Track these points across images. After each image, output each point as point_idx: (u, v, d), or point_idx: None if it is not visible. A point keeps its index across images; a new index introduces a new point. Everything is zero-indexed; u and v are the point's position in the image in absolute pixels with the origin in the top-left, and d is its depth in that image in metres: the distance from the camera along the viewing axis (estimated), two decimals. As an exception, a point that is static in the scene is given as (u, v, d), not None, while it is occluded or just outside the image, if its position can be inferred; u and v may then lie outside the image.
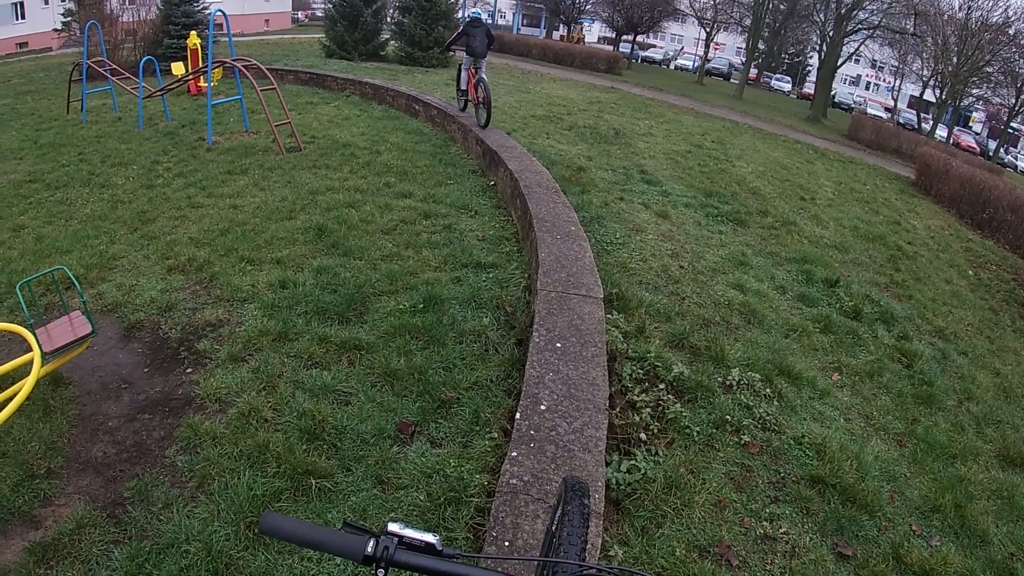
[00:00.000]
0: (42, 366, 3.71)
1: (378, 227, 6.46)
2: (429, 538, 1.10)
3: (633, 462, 3.58)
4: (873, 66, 54.27)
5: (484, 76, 10.02)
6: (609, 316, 4.71)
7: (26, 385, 3.47)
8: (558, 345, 3.95)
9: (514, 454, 3.12)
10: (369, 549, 1.06)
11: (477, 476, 3.35)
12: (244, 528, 3.06)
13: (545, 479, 3.01)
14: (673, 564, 3.16)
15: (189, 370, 4.35)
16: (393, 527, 1.09)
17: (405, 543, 1.10)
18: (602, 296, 4.64)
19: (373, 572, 1.07)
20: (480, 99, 10.03)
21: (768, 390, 4.58)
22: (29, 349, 3.74)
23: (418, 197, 7.56)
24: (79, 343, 4.08)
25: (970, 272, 9.68)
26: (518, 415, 3.37)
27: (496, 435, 3.64)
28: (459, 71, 10.83)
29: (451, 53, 24.41)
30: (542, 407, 3.42)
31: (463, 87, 10.66)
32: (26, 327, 3.87)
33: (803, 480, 3.94)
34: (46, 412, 3.98)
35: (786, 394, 4.63)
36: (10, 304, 5.26)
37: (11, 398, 3.51)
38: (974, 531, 4.00)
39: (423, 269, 5.57)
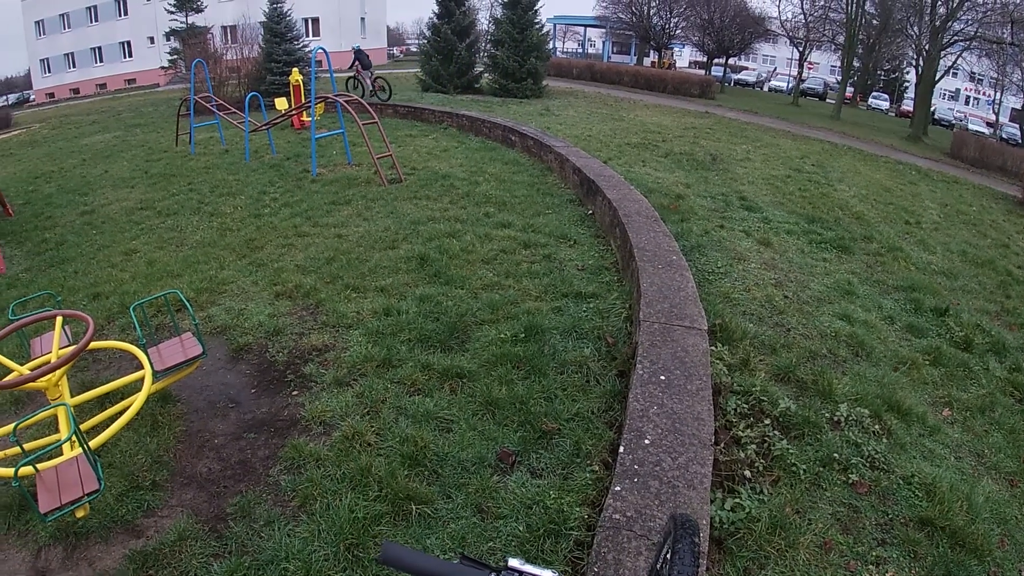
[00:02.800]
0: (152, 384, 3.89)
1: (478, 256, 6.59)
2: (548, 574, 1.09)
3: (737, 500, 3.52)
4: (972, 79, 51.90)
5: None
6: (713, 348, 4.65)
7: (136, 401, 3.66)
8: (662, 378, 3.92)
9: (617, 488, 3.10)
10: None
11: (577, 509, 3.34)
12: (344, 549, 3.14)
13: (648, 515, 2.98)
14: None
15: (295, 392, 4.52)
16: (513, 562, 1.08)
17: None
18: (706, 327, 4.59)
19: None
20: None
21: (877, 427, 4.42)
22: (141, 367, 3.94)
23: (517, 227, 7.69)
24: (189, 363, 4.23)
25: None
26: (622, 448, 3.36)
27: (597, 468, 3.63)
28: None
29: (544, 84, 24.90)
30: (646, 441, 3.40)
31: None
32: (138, 346, 4.06)
33: (911, 522, 3.80)
34: (154, 427, 4.19)
35: (895, 431, 4.47)
36: (122, 324, 5.63)
37: (121, 412, 3.74)
38: None
39: (523, 299, 5.65)
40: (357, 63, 20.76)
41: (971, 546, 3.70)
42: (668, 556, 1.63)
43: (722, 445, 3.86)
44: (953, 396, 5.20)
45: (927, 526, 3.77)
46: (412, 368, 4.59)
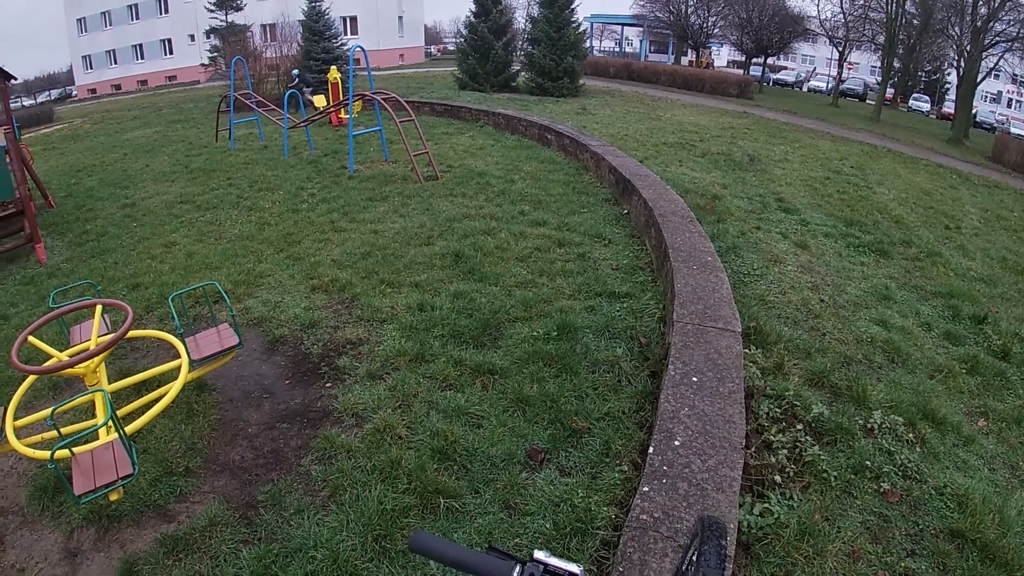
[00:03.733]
0: (189, 372, 3.97)
1: (513, 254, 6.63)
2: (574, 568, 1.10)
3: (766, 505, 3.50)
4: (1014, 81, 50.72)
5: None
6: (747, 351, 4.64)
7: (172, 389, 3.74)
8: (694, 379, 3.92)
9: (645, 489, 3.11)
10: (515, 575, 1.07)
11: (605, 509, 3.35)
12: (372, 540, 3.20)
13: (676, 517, 2.98)
14: None
15: (328, 385, 4.59)
16: (539, 555, 1.10)
17: (550, 571, 1.10)
18: (740, 330, 4.57)
19: None
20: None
21: (911, 435, 4.37)
22: (178, 356, 4.02)
23: (551, 225, 7.71)
24: (225, 353, 4.29)
25: None
26: (651, 449, 3.36)
27: (626, 468, 3.64)
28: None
29: (581, 83, 24.69)
30: (676, 442, 3.40)
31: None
32: (176, 336, 4.16)
33: (942, 534, 3.74)
34: (189, 415, 4.30)
35: (929, 440, 4.41)
36: (160, 313, 5.76)
37: (157, 400, 3.81)
38: None
39: (557, 297, 5.66)
40: (302, 85, 20.44)
41: (1001, 560, 3.64)
42: (694, 558, 1.65)
43: (753, 449, 3.84)
44: (989, 406, 5.11)
45: (958, 538, 3.72)
46: (444, 363, 4.64)
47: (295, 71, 20.92)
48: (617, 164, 9.41)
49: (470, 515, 3.36)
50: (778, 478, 3.71)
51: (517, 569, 1.11)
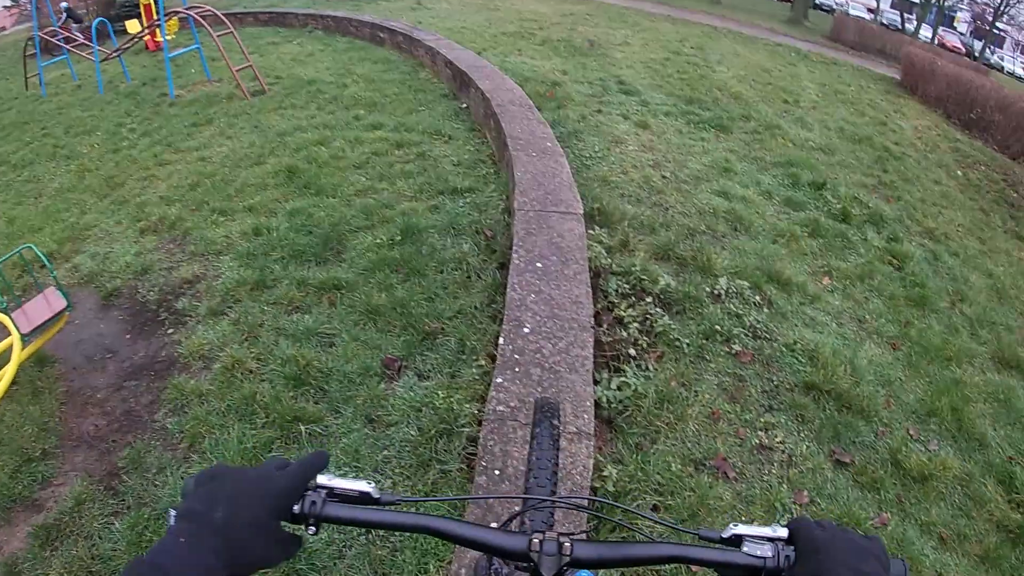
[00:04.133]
0: (23, 348, 3.64)
1: (350, 162, 6.25)
2: (363, 486, 0.98)
3: (623, 379, 3.50)
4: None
5: None
6: (591, 231, 4.58)
7: (8, 371, 3.44)
8: (539, 265, 3.83)
9: (499, 380, 3.04)
10: (296, 507, 0.92)
11: (467, 406, 3.27)
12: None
13: (532, 403, 2.94)
14: (669, 480, 3.11)
15: (170, 331, 4.24)
16: (321, 479, 0.96)
17: (336, 495, 0.97)
18: (582, 212, 4.50)
19: (304, 531, 0.94)
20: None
21: (758, 297, 4.50)
22: (7, 334, 3.69)
23: (389, 127, 7.30)
24: (56, 319, 3.99)
25: (959, 172, 9.43)
26: (501, 340, 3.27)
27: (483, 362, 3.55)
28: None
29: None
30: (525, 330, 3.33)
31: None
32: (1, 311, 3.82)
33: (797, 387, 3.89)
34: (35, 393, 3.90)
35: (776, 301, 4.55)
36: None
37: None
38: (971, 435, 3.99)
39: (398, 200, 5.41)
40: (70, 20, 18.74)
41: (857, 408, 3.82)
42: (531, 442, 1.62)
43: (605, 327, 3.82)
44: (832, 265, 5.33)
45: (813, 391, 3.87)
46: (288, 286, 4.36)
47: (64, 4, 18.98)
48: (454, 58, 9.04)
49: (334, 436, 3.22)
50: (632, 351, 3.72)
51: (297, 500, 0.94)
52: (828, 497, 3.32)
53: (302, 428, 3.26)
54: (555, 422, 1.64)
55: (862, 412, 3.83)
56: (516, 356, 3.17)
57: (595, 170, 6.01)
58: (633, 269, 4.32)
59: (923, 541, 3.27)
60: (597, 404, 3.25)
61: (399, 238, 4.75)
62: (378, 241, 4.74)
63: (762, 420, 3.62)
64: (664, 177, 6.09)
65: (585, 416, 2.91)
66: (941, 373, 4.46)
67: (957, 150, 10.72)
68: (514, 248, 3.99)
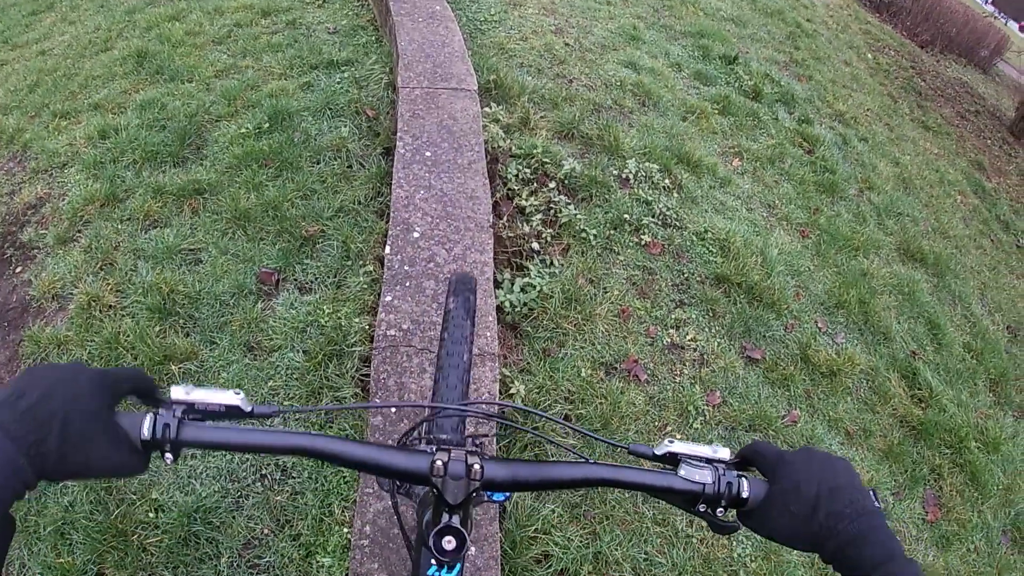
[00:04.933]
0: None
1: (208, 38, 5.37)
2: (230, 397, 0.81)
3: (527, 279, 3.17)
4: None
5: None
6: (487, 110, 4.07)
7: None
8: (428, 154, 3.35)
9: (388, 298, 2.65)
10: (145, 432, 0.74)
11: (356, 320, 2.91)
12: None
13: (428, 323, 2.58)
14: (580, 387, 2.92)
15: (19, 270, 3.53)
16: (177, 391, 0.79)
17: (198, 411, 0.80)
18: (476, 87, 3.97)
19: (160, 458, 0.76)
20: None
21: (667, 181, 4.19)
22: None
23: None
24: None
25: (869, 56, 9.14)
26: (387, 249, 2.84)
27: (371, 268, 3.13)
28: None
29: None
30: (415, 234, 2.91)
31: None
32: None
33: (708, 280, 3.71)
34: None
35: (686, 185, 4.26)
36: None
37: None
38: (877, 328, 4.05)
39: (265, 79, 4.67)
40: None
41: (768, 301, 3.73)
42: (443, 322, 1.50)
43: (505, 219, 3.41)
44: (743, 147, 5.06)
45: (724, 283, 3.72)
46: (142, 197, 3.68)
47: None
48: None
49: (212, 371, 2.84)
50: (535, 244, 3.38)
51: (147, 422, 0.75)
52: (740, 396, 3.24)
53: (174, 368, 2.81)
54: (469, 296, 1.53)
55: (772, 305, 3.73)
56: (406, 268, 2.77)
57: (491, 36, 5.38)
58: (535, 151, 3.88)
59: (831, 437, 3.31)
60: (500, 309, 2.94)
61: (267, 125, 4.08)
62: (243, 131, 4.05)
63: (673, 317, 3.44)
64: (567, 45, 5.52)
65: (488, 334, 2.58)
66: (849, 263, 4.43)
67: (868, 32, 10.38)
68: (399, 135, 3.46)
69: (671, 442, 0.83)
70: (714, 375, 3.26)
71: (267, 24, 5.45)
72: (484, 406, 2.10)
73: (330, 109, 4.23)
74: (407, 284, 2.70)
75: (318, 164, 3.83)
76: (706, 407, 3.12)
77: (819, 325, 3.87)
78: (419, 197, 3.07)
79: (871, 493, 0.77)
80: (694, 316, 3.48)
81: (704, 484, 0.80)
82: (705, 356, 3.33)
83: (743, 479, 0.81)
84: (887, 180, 5.78)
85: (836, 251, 4.52)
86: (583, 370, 2.99)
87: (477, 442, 1.17)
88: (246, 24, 5.43)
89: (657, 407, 3.04)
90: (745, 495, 0.80)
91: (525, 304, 3.09)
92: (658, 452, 0.84)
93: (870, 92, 7.68)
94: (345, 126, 4.07)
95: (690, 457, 0.83)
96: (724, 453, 0.83)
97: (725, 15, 7.65)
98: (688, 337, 3.36)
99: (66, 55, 5.57)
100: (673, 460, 0.83)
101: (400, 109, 3.64)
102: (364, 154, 3.88)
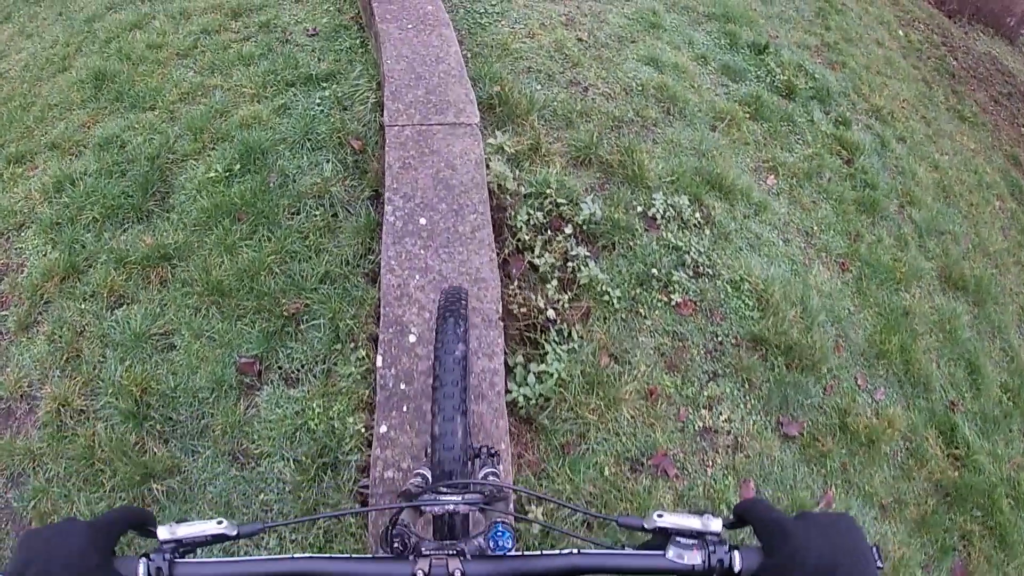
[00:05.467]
0: None
1: (173, 51, 4.71)
2: (213, 528, 0.83)
3: (543, 367, 2.75)
4: None
5: None
6: (490, 141, 3.51)
7: None
8: (422, 221, 2.83)
9: (383, 429, 2.22)
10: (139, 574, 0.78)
11: (350, 421, 2.55)
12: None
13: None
14: (603, 489, 2.63)
15: None
16: (163, 532, 0.82)
17: (186, 545, 0.82)
18: (477, 119, 3.39)
19: None
20: None
21: (698, 215, 3.69)
22: None
23: None
24: None
25: (900, 32, 8.22)
26: (379, 360, 2.37)
27: (364, 352, 2.72)
28: None
29: None
30: (411, 338, 2.43)
31: None
32: None
33: (744, 342, 3.31)
34: None
35: (719, 219, 3.76)
36: None
37: None
38: (917, 377, 3.70)
39: (236, 103, 4.06)
40: None
41: (808, 362, 3.34)
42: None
43: (516, 283, 2.95)
44: (778, 159, 4.51)
45: (761, 346, 3.33)
46: (105, 268, 3.20)
47: None
48: None
49: (197, 487, 2.52)
50: (551, 312, 2.92)
51: (141, 567, 0.79)
52: (775, 482, 2.97)
53: (156, 488, 2.50)
54: (460, 320, 1.51)
55: (812, 368, 3.34)
56: (402, 386, 2.32)
57: (492, 32, 4.69)
58: (547, 190, 3.36)
59: (866, 512, 3.05)
60: (514, 404, 2.55)
61: (238, 167, 3.54)
62: (212, 175, 3.52)
63: (705, 394, 3.05)
64: (581, 41, 4.84)
65: (497, 431, 2.21)
66: (890, 300, 4.03)
67: (896, 2, 9.36)
68: (387, 194, 2.92)
69: (660, 516, 0.82)
70: (748, 461, 2.91)
71: (238, 28, 4.81)
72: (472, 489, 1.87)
73: (310, 140, 3.68)
74: (404, 409, 2.27)
75: (298, 215, 3.33)
76: (739, 500, 2.75)
77: (859, 382, 3.50)
78: (414, 285, 2.60)
79: (874, 551, 0.74)
80: (728, 390, 3.09)
81: (693, 565, 0.79)
82: (740, 439, 2.97)
83: (735, 553, 0.79)
84: (927, 190, 5.22)
85: (877, 286, 4.08)
86: (606, 467, 2.65)
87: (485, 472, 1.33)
88: (214, 30, 4.80)
89: (686, 504, 2.74)
90: (737, 570, 0.78)
91: (541, 395, 2.68)
92: (647, 526, 0.82)
93: (904, 78, 6.95)
94: (328, 161, 3.55)
95: (680, 533, 0.81)
96: (716, 524, 0.81)
97: (751, -7, 6.94)
98: (722, 418, 2.98)
99: (23, 75, 4.98)
100: (663, 534, 0.82)
101: (388, 158, 3.08)
102: (350, 198, 3.39)
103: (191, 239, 3.31)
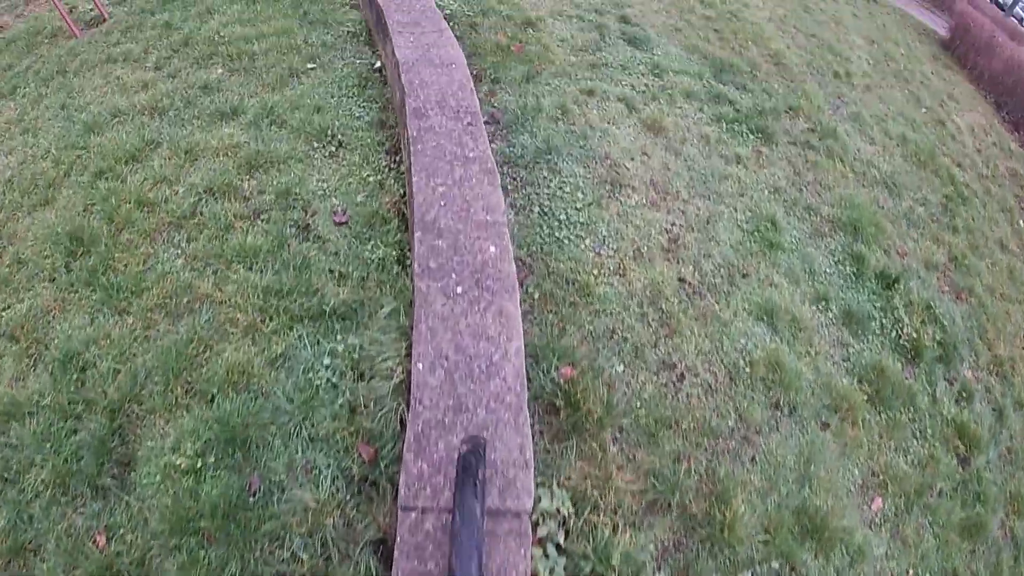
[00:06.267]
0: None
1: (166, 213, 3.78)
2: None
3: None
4: None
5: None
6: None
7: None
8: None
9: None
10: None
11: None
12: None
13: None
14: None
15: None
16: None
17: None
18: (529, 507, 2.30)
19: None
20: None
21: None
22: None
23: (248, 114, 4.49)
24: None
25: (1021, 223, 7.11)
26: None
27: None
28: None
29: None
30: None
31: None
32: None
33: None
34: None
35: None
36: None
37: None
38: None
39: (225, 333, 3.13)
40: None
41: None
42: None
43: None
44: (890, 469, 3.60)
45: None
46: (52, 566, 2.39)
47: None
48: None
49: None
50: None
51: None
52: None
53: None
54: (476, 482, 1.72)
55: None
56: None
57: (571, 255, 3.69)
58: (607, 572, 2.43)
59: None
60: None
61: (213, 459, 2.66)
62: (179, 461, 2.64)
63: None
64: (683, 282, 3.85)
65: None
66: None
67: (1015, 174, 8.22)
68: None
69: None
70: None
71: (250, 192, 3.91)
72: None
73: (307, 429, 2.79)
74: None
75: (280, 547, 2.49)
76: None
77: None
78: None
79: None
80: None
81: None
82: None
83: None
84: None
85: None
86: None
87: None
88: (221, 191, 3.92)
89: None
90: None
91: None
92: None
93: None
94: (327, 467, 2.68)
95: None
96: None
97: (877, 174, 5.95)
98: None
99: (2, 201, 4.14)
100: None
101: (396, 555, 2.19)
102: (348, 540, 2.56)
103: (146, 558, 2.48)
